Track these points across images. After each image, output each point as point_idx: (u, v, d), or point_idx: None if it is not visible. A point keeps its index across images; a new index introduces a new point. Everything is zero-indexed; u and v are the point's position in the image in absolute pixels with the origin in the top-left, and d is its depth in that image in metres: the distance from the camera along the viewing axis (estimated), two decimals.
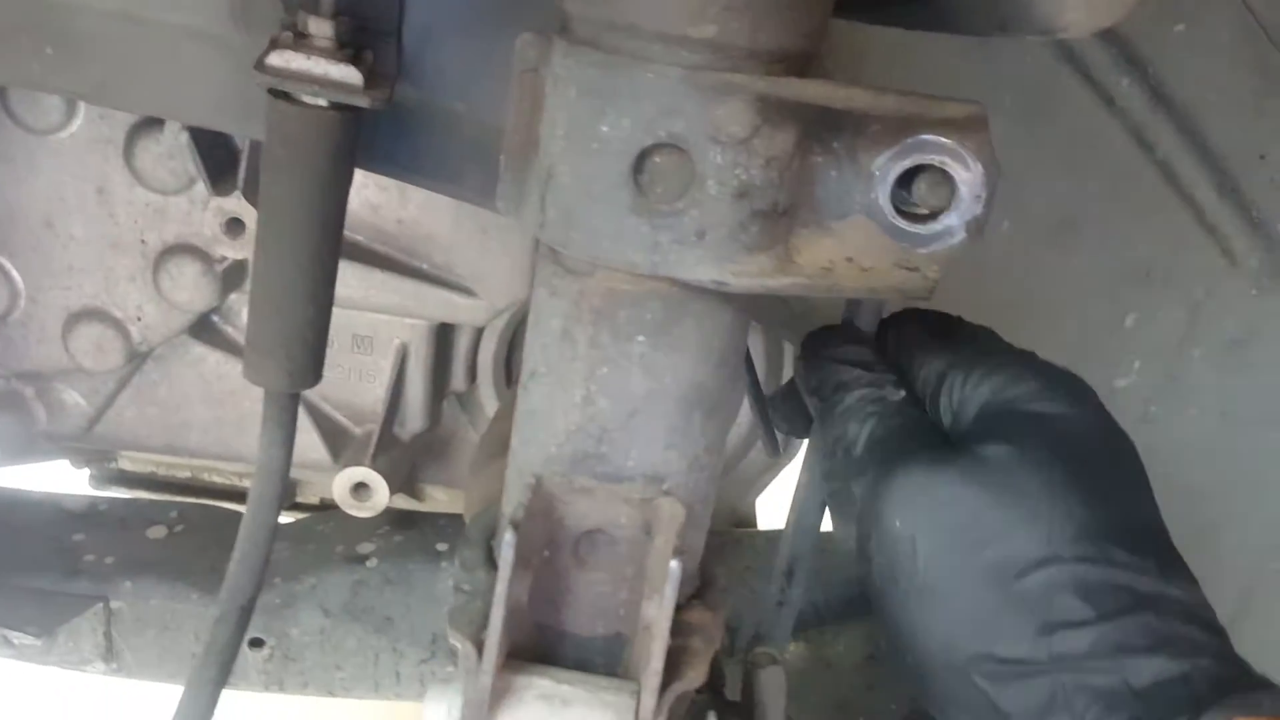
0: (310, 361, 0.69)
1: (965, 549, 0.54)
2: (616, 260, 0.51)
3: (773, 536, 1.26)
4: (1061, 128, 0.85)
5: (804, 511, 0.73)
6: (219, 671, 0.73)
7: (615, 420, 0.55)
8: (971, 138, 0.50)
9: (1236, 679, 0.52)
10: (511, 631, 0.54)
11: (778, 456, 1.24)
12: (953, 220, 0.51)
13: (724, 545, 1.23)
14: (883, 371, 0.63)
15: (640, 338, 0.53)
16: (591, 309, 0.53)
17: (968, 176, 0.50)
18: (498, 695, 0.53)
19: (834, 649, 1.17)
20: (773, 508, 1.45)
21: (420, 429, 1.19)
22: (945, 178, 0.51)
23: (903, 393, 0.62)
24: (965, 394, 0.60)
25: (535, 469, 0.56)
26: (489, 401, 1.23)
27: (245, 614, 0.72)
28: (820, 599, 1.13)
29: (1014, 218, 0.86)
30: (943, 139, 0.50)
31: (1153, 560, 0.54)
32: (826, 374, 0.63)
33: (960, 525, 0.55)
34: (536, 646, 0.57)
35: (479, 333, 1.20)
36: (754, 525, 1.42)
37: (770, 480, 1.40)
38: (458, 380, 1.22)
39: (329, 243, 0.67)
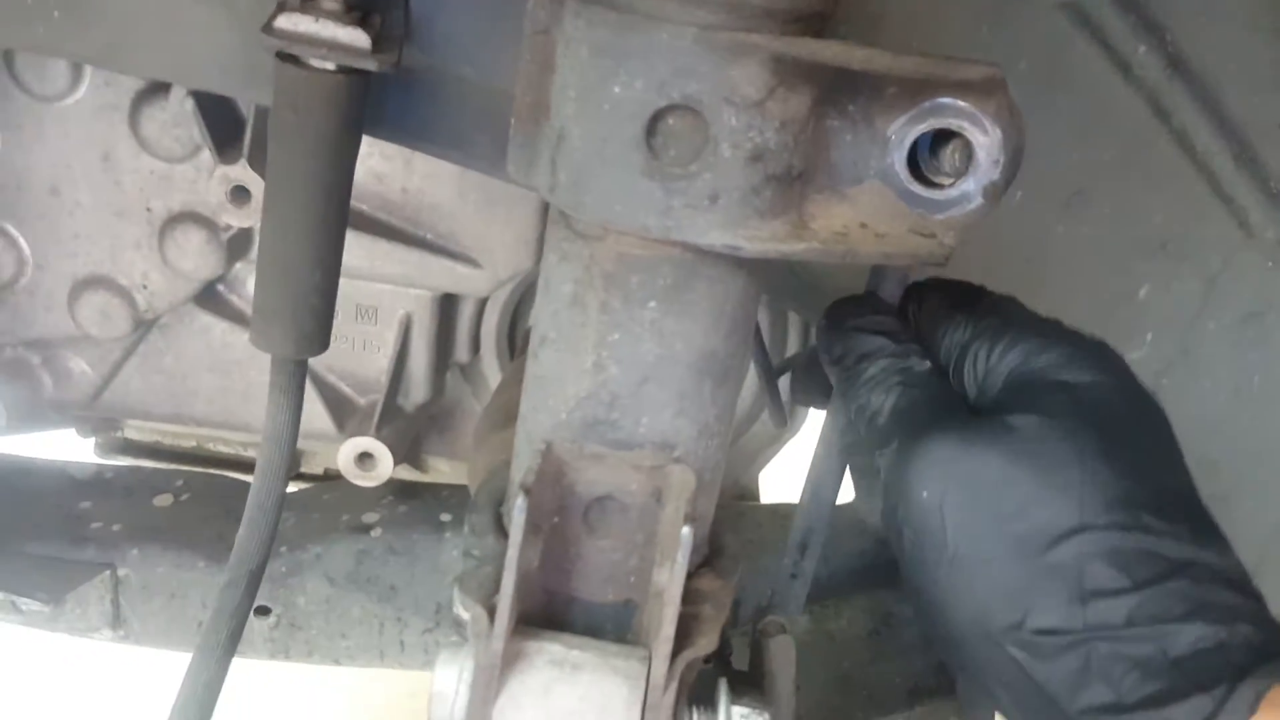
0: (317, 328, 0.68)
1: (995, 519, 0.54)
2: (628, 224, 0.50)
3: (775, 510, 1.26)
4: (1076, 95, 0.83)
5: (820, 483, 0.72)
6: (229, 636, 0.73)
7: (626, 387, 0.54)
8: (989, 101, 0.49)
9: (1275, 644, 0.52)
10: (522, 597, 0.54)
11: (784, 426, 1.23)
12: (969, 185, 0.51)
13: (726, 517, 1.23)
14: (908, 342, 0.62)
15: (652, 303, 0.53)
16: (603, 274, 0.53)
17: (985, 141, 0.50)
18: (509, 660, 0.53)
19: (837, 622, 1.17)
20: (772, 484, 1.45)
21: (424, 400, 1.19)
22: (962, 142, 0.50)
23: (928, 363, 0.61)
24: (991, 364, 0.59)
25: (545, 435, 0.56)
26: (492, 373, 1.23)
27: (255, 579, 0.72)
28: (824, 572, 1.13)
29: (1026, 187, 0.85)
30: (960, 102, 0.49)
31: (1185, 526, 0.53)
32: (851, 343, 0.62)
33: (990, 495, 0.54)
34: (546, 612, 0.57)
35: (482, 304, 1.19)
36: (756, 499, 1.42)
37: (773, 454, 1.40)
38: (461, 351, 1.22)
39: (336, 208, 0.66)
